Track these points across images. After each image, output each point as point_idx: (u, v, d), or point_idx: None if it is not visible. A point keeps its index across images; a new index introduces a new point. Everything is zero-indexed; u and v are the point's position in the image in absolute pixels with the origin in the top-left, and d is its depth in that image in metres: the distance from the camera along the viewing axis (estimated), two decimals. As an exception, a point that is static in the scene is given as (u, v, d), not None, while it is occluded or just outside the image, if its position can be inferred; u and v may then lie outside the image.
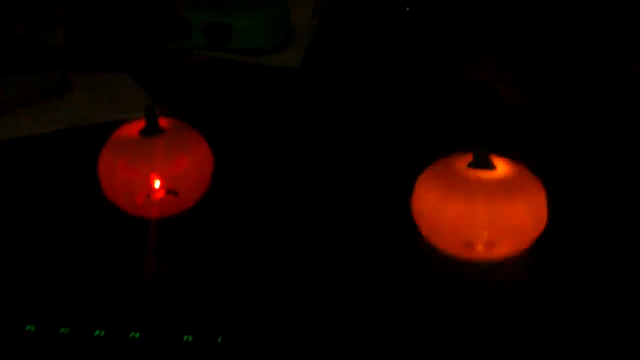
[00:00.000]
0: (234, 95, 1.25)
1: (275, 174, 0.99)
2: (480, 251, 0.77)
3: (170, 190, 0.83)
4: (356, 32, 1.45)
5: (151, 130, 0.84)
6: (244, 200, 0.92)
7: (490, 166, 0.79)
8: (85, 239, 0.85)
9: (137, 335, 0.71)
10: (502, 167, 0.79)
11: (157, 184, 0.81)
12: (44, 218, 0.88)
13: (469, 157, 0.81)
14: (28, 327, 0.71)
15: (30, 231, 0.86)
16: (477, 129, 1.03)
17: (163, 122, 0.86)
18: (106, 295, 0.76)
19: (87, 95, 1.15)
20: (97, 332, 0.71)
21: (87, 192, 0.90)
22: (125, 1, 1.41)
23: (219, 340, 0.70)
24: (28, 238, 0.85)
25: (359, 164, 1.01)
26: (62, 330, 0.71)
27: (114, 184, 0.83)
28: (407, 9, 1.42)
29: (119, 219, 0.86)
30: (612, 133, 1.07)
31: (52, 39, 1.30)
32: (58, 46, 1.29)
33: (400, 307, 0.75)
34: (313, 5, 1.53)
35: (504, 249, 0.77)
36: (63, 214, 0.89)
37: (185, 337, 0.70)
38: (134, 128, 0.85)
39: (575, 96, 1.17)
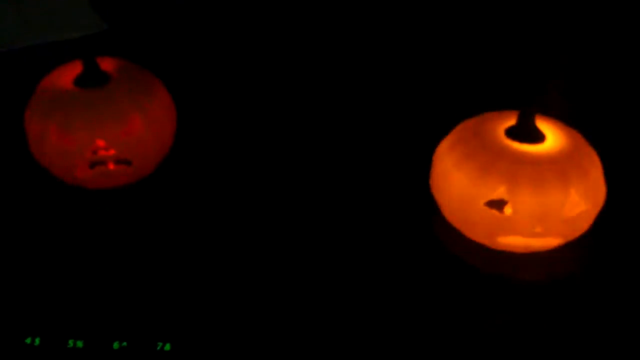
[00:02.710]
0: (200, 8, 1.01)
1: (251, 134, 0.78)
2: (520, 245, 0.61)
3: (120, 160, 0.63)
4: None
5: (91, 80, 0.63)
6: (212, 160, 0.73)
7: (539, 137, 0.61)
8: (14, 209, 0.66)
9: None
10: (552, 138, 0.61)
11: (101, 152, 0.62)
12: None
13: (505, 121, 0.62)
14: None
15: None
16: (514, 83, 0.81)
17: (107, 64, 0.65)
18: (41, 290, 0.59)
19: (15, 7, 0.91)
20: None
21: (14, 151, 0.70)
22: None
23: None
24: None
25: (354, 123, 0.81)
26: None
27: (46, 154, 0.63)
28: None
29: (54, 188, 0.67)
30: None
31: None
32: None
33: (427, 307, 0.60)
34: None
35: (550, 244, 0.61)
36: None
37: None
38: (67, 74, 0.64)
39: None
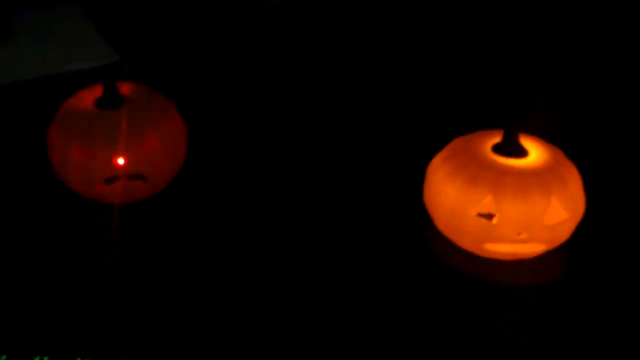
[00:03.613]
0: (205, 35, 1.08)
1: (260, 148, 0.84)
2: (507, 252, 0.66)
3: (136, 176, 0.68)
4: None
5: (111, 101, 0.69)
6: (223, 176, 0.79)
7: (522, 152, 0.66)
8: (35, 224, 0.71)
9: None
10: (534, 153, 0.67)
11: (119, 168, 0.67)
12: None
13: (492, 138, 0.68)
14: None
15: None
16: (500, 105, 0.88)
17: (124, 88, 0.71)
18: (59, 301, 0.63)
19: (33, 40, 0.97)
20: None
21: (36, 168, 0.75)
22: None
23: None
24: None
25: (351, 136, 0.87)
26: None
27: (68, 170, 0.68)
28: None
29: (74, 204, 0.72)
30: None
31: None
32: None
33: (417, 311, 0.64)
34: None
35: (534, 250, 0.66)
36: (8, 193, 0.75)
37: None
38: (88, 97, 0.70)
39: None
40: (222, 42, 1.07)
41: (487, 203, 0.63)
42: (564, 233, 0.65)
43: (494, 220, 0.64)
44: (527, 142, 0.67)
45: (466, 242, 0.67)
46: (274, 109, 0.91)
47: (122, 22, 1.06)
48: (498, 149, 0.67)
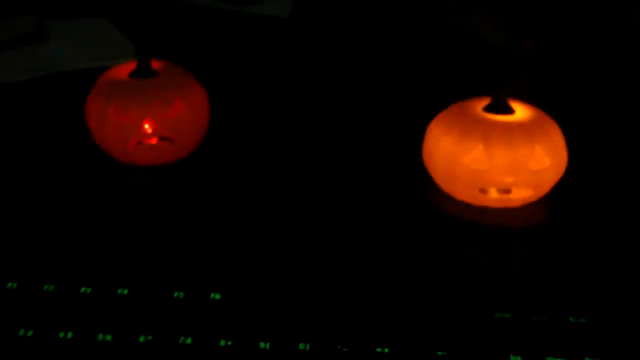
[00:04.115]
0: (221, 44, 1.18)
1: (273, 127, 0.93)
2: (497, 197, 0.73)
3: (164, 137, 0.77)
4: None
5: (143, 72, 0.78)
6: (242, 149, 0.87)
7: (509, 110, 0.74)
8: (75, 187, 0.79)
9: (126, 291, 0.65)
10: (520, 112, 0.75)
11: (150, 128, 0.75)
12: (32, 167, 0.82)
13: (484, 102, 0.76)
14: (9, 285, 0.65)
15: (17, 181, 0.80)
16: (491, 76, 0.99)
17: (155, 64, 0.80)
18: (97, 247, 0.70)
19: (66, 42, 1.07)
20: (82, 289, 0.65)
21: (73, 140, 0.84)
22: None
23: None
24: (15, 188, 0.78)
25: (358, 114, 0.97)
26: (45, 287, 0.65)
27: (105, 130, 0.76)
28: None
29: (109, 167, 0.80)
30: (619, 82, 1.03)
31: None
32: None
33: (413, 258, 0.71)
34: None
35: (522, 195, 0.73)
36: (50, 162, 0.83)
37: (176, 294, 0.65)
38: (123, 70, 0.79)
39: (578, 45, 1.13)
40: (235, 54, 1.17)
41: (478, 151, 0.71)
42: (548, 180, 0.73)
43: (485, 166, 0.71)
44: (514, 105, 0.76)
45: (461, 191, 0.74)
46: (283, 104, 1.01)
47: (143, 30, 1.16)
48: (488, 108, 0.75)
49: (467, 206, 0.75)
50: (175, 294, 0.64)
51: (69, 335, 0.60)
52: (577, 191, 0.78)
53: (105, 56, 1.02)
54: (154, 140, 0.77)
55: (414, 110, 0.92)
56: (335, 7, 1.33)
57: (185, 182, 0.80)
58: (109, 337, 0.60)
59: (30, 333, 0.60)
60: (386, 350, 0.60)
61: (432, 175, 0.77)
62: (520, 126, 0.72)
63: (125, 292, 0.65)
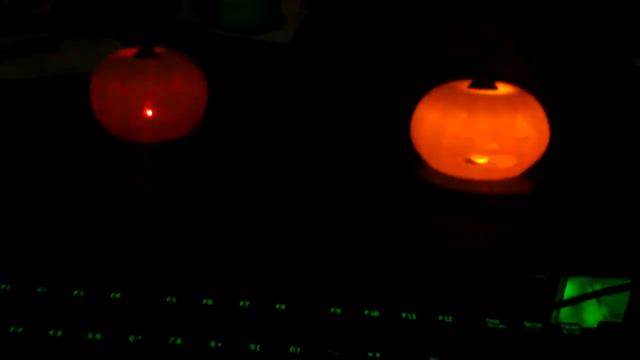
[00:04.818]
0: (224, 67, 1.24)
1: (269, 122, 0.97)
2: (482, 166, 0.76)
3: (164, 112, 0.80)
4: (346, 17, 1.45)
5: (145, 53, 0.82)
6: (239, 130, 0.91)
7: (492, 86, 0.78)
8: (78, 165, 0.82)
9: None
10: (502, 88, 0.79)
11: (150, 101, 0.79)
12: (38, 151, 0.86)
13: (468, 82, 0.80)
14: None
15: (24, 168, 0.83)
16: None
17: (157, 49, 0.84)
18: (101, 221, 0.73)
19: (77, 52, 1.13)
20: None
21: (80, 130, 0.88)
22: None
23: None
24: (22, 175, 0.82)
25: (352, 112, 1.01)
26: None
27: (107, 103, 0.80)
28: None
29: (112, 145, 0.84)
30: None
31: (39, 8, 1.29)
32: (46, 15, 1.28)
33: (400, 231, 0.73)
34: (300, -1, 1.55)
35: (506, 164, 0.76)
36: (54, 148, 0.87)
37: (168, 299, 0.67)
38: (128, 52, 0.83)
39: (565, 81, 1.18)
40: (235, 81, 1.22)
41: (463, 119, 0.74)
42: (530, 149, 0.75)
43: (469, 134, 0.74)
44: (497, 84, 0.80)
45: (447, 162, 0.77)
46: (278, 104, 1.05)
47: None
48: (472, 84, 0.79)
49: (453, 178, 0.78)
50: (168, 299, 0.67)
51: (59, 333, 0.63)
52: (564, 168, 0.81)
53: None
54: (152, 114, 0.80)
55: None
56: (337, 34, 1.38)
57: (183, 158, 0.84)
58: (98, 336, 0.63)
59: (20, 330, 0.63)
60: (377, 355, 0.62)
61: (419, 151, 0.80)
62: (503, 98, 0.76)
63: (118, 295, 0.67)
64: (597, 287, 0.78)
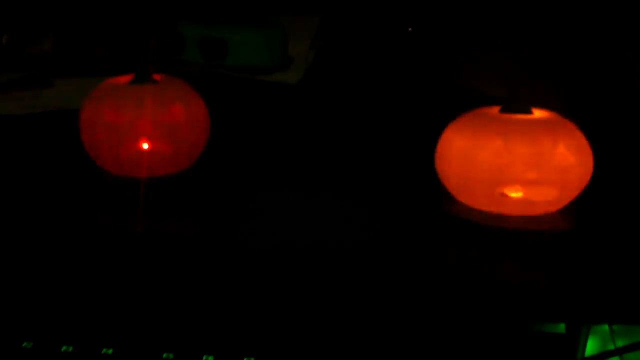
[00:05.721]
0: (229, 107, 1.16)
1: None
2: (519, 198, 0.67)
3: (160, 144, 0.72)
4: (355, 58, 1.39)
5: (142, 78, 0.75)
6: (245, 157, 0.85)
7: (527, 110, 0.70)
8: (69, 204, 0.75)
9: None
10: (538, 113, 0.70)
11: (145, 131, 0.71)
12: (26, 188, 0.79)
13: (498, 108, 0.72)
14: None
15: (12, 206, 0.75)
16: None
17: (156, 76, 0.77)
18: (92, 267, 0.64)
19: (72, 88, 1.06)
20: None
21: (71, 167, 0.80)
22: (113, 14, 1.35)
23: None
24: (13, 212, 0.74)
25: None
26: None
27: (98, 135, 0.72)
28: (410, 29, 1.37)
29: (105, 181, 0.75)
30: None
31: (37, 48, 1.24)
32: (43, 54, 1.22)
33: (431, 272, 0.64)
34: (310, 40, 1.50)
35: (546, 197, 0.67)
36: (44, 184, 0.80)
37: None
38: (122, 79, 0.76)
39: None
40: (243, 121, 1.15)
41: (497, 145, 0.66)
42: (574, 179, 0.67)
43: (505, 160, 0.66)
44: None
45: (478, 196, 0.68)
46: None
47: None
48: (503, 109, 0.70)
49: (486, 214, 0.69)
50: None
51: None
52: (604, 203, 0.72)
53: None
54: (149, 146, 0.72)
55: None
56: (346, 76, 1.32)
57: (180, 193, 0.75)
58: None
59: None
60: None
61: (446, 184, 0.71)
62: (541, 123, 0.68)
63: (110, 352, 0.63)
64: (620, 343, 0.71)
